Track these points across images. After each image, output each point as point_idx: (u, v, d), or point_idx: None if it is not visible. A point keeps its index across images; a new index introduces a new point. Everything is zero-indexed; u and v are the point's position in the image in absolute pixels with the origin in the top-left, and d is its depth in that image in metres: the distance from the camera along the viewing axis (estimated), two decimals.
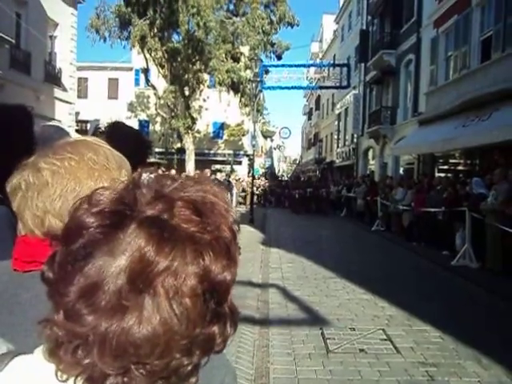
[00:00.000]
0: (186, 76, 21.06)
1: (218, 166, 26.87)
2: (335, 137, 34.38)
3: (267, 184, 26.89)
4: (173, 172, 17.56)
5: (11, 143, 1.35)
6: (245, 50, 20.92)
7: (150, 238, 0.45)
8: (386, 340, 4.59)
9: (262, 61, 20.94)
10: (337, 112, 33.21)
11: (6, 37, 12.38)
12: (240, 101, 22.54)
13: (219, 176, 15.78)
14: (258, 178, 26.73)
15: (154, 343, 0.44)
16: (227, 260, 0.49)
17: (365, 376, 3.76)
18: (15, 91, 12.78)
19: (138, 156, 1.68)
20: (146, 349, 0.44)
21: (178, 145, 26.88)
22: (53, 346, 0.47)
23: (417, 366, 3.98)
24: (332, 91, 33.31)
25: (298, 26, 21.18)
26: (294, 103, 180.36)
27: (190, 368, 0.48)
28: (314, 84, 31.37)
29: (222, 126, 33.34)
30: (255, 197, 20.44)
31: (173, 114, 22.22)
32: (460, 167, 14.92)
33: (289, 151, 79.42)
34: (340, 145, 32.54)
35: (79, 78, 23.35)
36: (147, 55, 21.49)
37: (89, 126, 24.22)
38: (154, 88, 23.18)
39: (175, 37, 21.33)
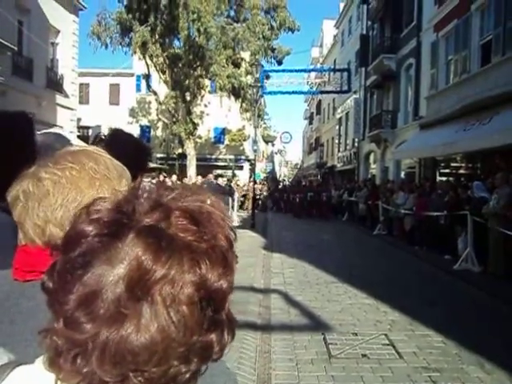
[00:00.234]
0: (187, 81, 21.14)
1: (219, 171, 26.83)
2: (336, 141, 34.40)
3: (269, 189, 26.87)
4: (174, 178, 17.59)
5: (13, 150, 1.35)
6: (245, 55, 21.01)
7: (147, 246, 0.46)
8: (388, 345, 4.58)
9: (262, 66, 21.02)
10: (338, 116, 33.25)
11: (9, 44, 12.44)
12: (241, 106, 22.59)
13: (221, 181, 15.75)
14: (260, 183, 26.73)
15: (151, 351, 0.45)
16: (223, 268, 0.49)
17: (367, 381, 3.75)
18: (17, 98, 12.84)
19: (138, 163, 1.69)
20: (144, 356, 0.45)
21: (180, 150, 26.94)
22: (53, 355, 0.47)
23: (420, 371, 3.96)
24: (333, 96, 33.37)
25: (298, 31, 21.29)
26: (294, 108, 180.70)
27: (188, 376, 0.49)
28: (314, 89, 31.45)
29: (224, 131, 33.40)
30: (257, 201, 20.43)
31: (174, 119, 22.29)
32: (461, 171, 14.91)
33: (290, 156, 79.47)
34: (341, 149, 32.55)
35: (81, 84, 23.48)
36: (148, 61, 21.59)
37: (90, 131, 24.28)
38: (156, 94, 23.26)
39: (176, 43, 21.46)
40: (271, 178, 39.03)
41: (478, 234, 8.50)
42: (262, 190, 25.37)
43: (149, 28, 19.49)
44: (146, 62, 21.75)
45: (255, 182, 19.27)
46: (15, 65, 13.88)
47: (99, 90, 32.29)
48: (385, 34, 21.90)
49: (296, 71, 25.38)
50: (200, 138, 28.11)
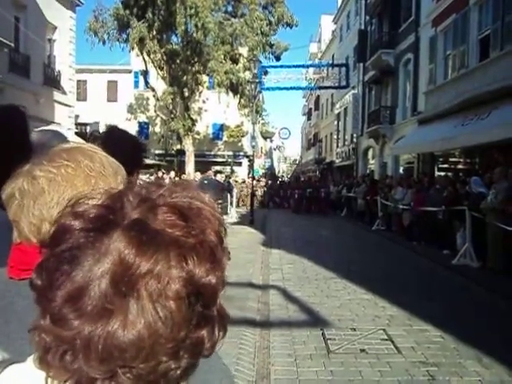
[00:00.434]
0: (185, 77, 21.09)
1: (217, 168, 26.79)
2: (335, 137, 34.40)
3: (267, 185, 26.88)
4: (172, 174, 17.57)
5: (7, 146, 1.34)
6: (243, 51, 20.94)
7: (131, 241, 0.46)
8: (386, 340, 4.59)
9: (260, 62, 20.93)
10: (336, 112, 33.23)
11: (5, 40, 12.40)
12: (239, 102, 22.56)
13: (219, 177, 15.75)
14: (258, 179, 26.73)
15: (139, 346, 0.44)
16: (212, 263, 0.49)
17: (366, 376, 3.77)
18: (15, 95, 12.79)
19: (134, 160, 1.68)
20: (132, 352, 0.44)
21: (178, 146, 26.91)
22: (41, 353, 0.47)
23: (418, 365, 3.98)
24: (331, 91, 33.34)
25: (296, 26, 21.23)
26: (293, 104, 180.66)
27: (178, 372, 0.49)
28: (313, 84, 31.37)
29: (222, 128, 33.37)
30: (256, 198, 20.44)
31: (172, 115, 22.25)
32: (460, 166, 14.93)
33: (288, 152, 79.49)
34: (340, 145, 32.55)
35: (78, 81, 23.41)
36: (146, 57, 21.53)
37: (88, 128, 24.23)
38: (154, 90, 23.21)
39: (174, 39, 21.40)
40: (270, 174, 39.05)
41: (477, 229, 8.52)
42: (261, 186, 25.38)
43: (146, 24, 19.42)
44: (144, 59, 21.68)
45: (254, 178, 19.27)
46: (12, 61, 13.83)
47: (97, 86, 32.19)
48: (383, 29, 21.86)
49: (294, 67, 25.33)
50: (198, 134, 28.07)
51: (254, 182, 19.60)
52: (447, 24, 15.35)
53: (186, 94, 21.90)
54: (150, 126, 33.20)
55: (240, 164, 33.47)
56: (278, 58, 22.49)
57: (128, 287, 0.45)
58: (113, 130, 1.98)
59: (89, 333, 0.44)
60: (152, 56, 21.24)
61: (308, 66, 30.40)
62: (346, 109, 29.91)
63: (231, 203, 18.00)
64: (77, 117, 20.98)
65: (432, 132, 14.18)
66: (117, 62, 30.32)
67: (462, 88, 13.21)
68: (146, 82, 23.78)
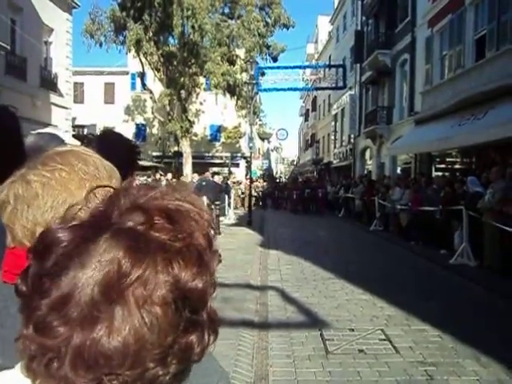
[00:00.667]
0: (182, 79, 21.09)
1: (215, 169, 26.84)
2: (332, 137, 34.43)
3: (265, 186, 26.90)
4: (169, 176, 17.52)
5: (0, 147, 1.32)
6: (240, 52, 20.97)
7: (121, 248, 0.45)
8: (384, 340, 4.60)
9: (257, 63, 20.95)
10: (333, 113, 33.27)
11: (2, 43, 12.38)
12: (236, 103, 22.58)
13: (217, 178, 15.75)
14: (256, 180, 26.73)
15: (124, 353, 0.44)
16: (198, 267, 0.48)
17: (364, 377, 3.77)
18: (11, 97, 12.76)
19: (129, 163, 1.69)
20: (117, 359, 0.44)
21: (176, 148, 26.89)
22: (27, 361, 0.47)
23: (416, 365, 3.98)
24: (328, 92, 33.38)
25: (293, 27, 21.28)
26: (290, 105, 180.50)
27: (168, 378, 0.48)
28: (310, 85, 31.42)
29: (219, 129, 33.38)
30: (253, 199, 20.45)
31: (169, 117, 22.24)
32: (457, 166, 14.97)
33: (286, 152, 79.58)
34: (337, 145, 32.59)
35: (75, 83, 23.36)
36: (143, 59, 21.53)
37: (86, 131, 24.19)
38: (151, 92, 23.19)
39: (171, 40, 21.40)
40: (268, 175, 39.05)
41: (474, 229, 8.54)
42: (259, 187, 25.38)
43: (143, 26, 19.42)
44: (141, 60, 21.68)
45: (251, 180, 19.29)
46: (8, 64, 13.80)
47: (94, 88, 32.17)
48: (379, 29, 21.90)
49: (291, 68, 25.34)
50: (196, 135, 28.08)
51: (252, 183, 19.61)
52: (443, 24, 15.40)
53: (183, 95, 21.90)
54: (148, 128, 33.18)
55: (238, 165, 33.46)
56: (274, 59, 22.52)
57: (116, 294, 0.44)
58: (107, 133, 1.98)
59: (74, 340, 0.43)
60: (149, 58, 21.25)
61: (305, 67, 30.48)
62: (343, 109, 29.95)
63: (229, 204, 18.00)
64: (74, 119, 20.96)
65: (429, 132, 14.22)
66: (114, 64, 30.40)
67: (459, 88, 13.25)
68: (143, 84, 23.76)
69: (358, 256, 9.83)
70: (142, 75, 22.92)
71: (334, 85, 27.06)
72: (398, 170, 19.91)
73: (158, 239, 0.47)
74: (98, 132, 17.98)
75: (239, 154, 33.64)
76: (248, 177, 20.37)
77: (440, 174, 14.96)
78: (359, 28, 25.54)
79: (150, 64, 21.71)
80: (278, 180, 34.88)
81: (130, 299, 0.44)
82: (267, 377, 3.77)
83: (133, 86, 32.52)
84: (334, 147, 33.28)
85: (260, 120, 38.06)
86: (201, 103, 27.48)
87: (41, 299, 0.45)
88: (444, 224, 10.07)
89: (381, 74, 21.54)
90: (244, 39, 19.80)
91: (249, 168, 20.78)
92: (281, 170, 70.97)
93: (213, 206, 12.67)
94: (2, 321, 0.74)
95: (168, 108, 22.08)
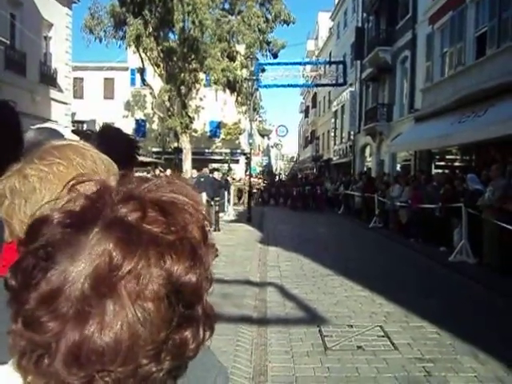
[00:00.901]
0: (182, 75, 21.04)
1: (215, 165, 26.83)
2: (332, 134, 34.42)
3: (265, 182, 26.91)
4: (168, 172, 17.50)
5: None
6: (241, 48, 20.91)
7: (112, 241, 0.44)
8: (383, 337, 4.61)
9: (257, 59, 20.91)
10: (333, 109, 33.23)
11: (1, 38, 12.33)
12: (236, 100, 22.53)
13: (216, 175, 15.74)
14: (256, 177, 26.74)
15: (116, 349, 0.43)
16: (191, 261, 0.47)
17: (362, 373, 3.78)
18: (11, 92, 12.72)
19: (128, 158, 1.69)
20: (109, 356, 0.43)
21: (175, 144, 26.87)
22: (17, 357, 0.45)
23: (414, 362, 4.00)
24: (328, 89, 33.31)
25: (293, 23, 21.19)
26: (290, 101, 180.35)
27: (161, 375, 0.46)
28: (310, 82, 31.38)
29: (219, 125, 33.34)
30: (253, 195, 20.47)
31: (169, 113, 22.20)
32: (457, 163, 14.96)
33: (286, 149, 79.40)
34: (337, 142, 32.57)
35: (75, 79, 23.32)
36: (143, 55, 21.45)
37: (85, 126, 24.14)
38: (150, 87, 23.14)
39: (171, 36, 21.33)
40: (267, 171, 39.05)
41: (474, 226, 8.55)
42: (259, 184, 25.39)
43: (143, 21, 19.35)
44: (141, 56, 21.60)
45: (251, 176, 19.29)
46: (8, 59, 13.75)
47: (93, 84, 32.12)
48: (380, 26, 21.85)
49: (291, 64, 25.28)
50: (195, 131, 28.03)
51: (252, 179, 19.62)
52: (444, 21, 15.36)
53: (183, 91, 21.85)
54: (147, 124, 33.14)
55: (237, 162, 33.45)
56: (275, 56, 22.45)
57: (107, 288, 0.43)
58: (107, 129, 1.98)
59: (65, 336, 0.42)
60: (149, 53, 21.16)
61: (305, 64, 30.37)
62: (343, 106, 29.91)
63: (228, 201, 18.00)
64: (73, 114, 20.92)
65: (429, 129, 14.20)
66: (113, 60, 30.23)
67: (459, 85, 13.23)
68: (143, 80, 23.70)
69: (358, 253, 9.85)
70: (142, 71, 22.85)
71: (334, 81, 26.98)
72: (398, 167, 19.91)
73: (151, 232, 0.45)
74: (97, 127, 17.96)
75: (239, 151, 33.62)
76: (248, 173, 20.36)
77: (440, 171, 14.97)
78: (360, 24, 25.47)
79: (149, 59, 21.64)
80: (277, 177, 34.87)
81: (122, 293, 0.43)
82: (266, 372, 3.78)
83: (132, 82, 32.46)
84: (334, 144, 33.26)
85: (260, 116, 38.02)
86: (201, 99, 27.41)
87: (30, 292, 0.44)
88: (443, 221, 10.08)
89: (381, 70, 21.51)
90: (244, 35, 19.74)
91: (248, 164, 20.78)
92: (280, 167, 70.93)
93: (212, 202, 12.68)
94: (1, 316, 0.74)
95: (168, 104, 22.04)
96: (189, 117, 22.04)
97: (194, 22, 18.23)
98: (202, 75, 22.26)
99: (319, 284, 6.85)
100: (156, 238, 0.45)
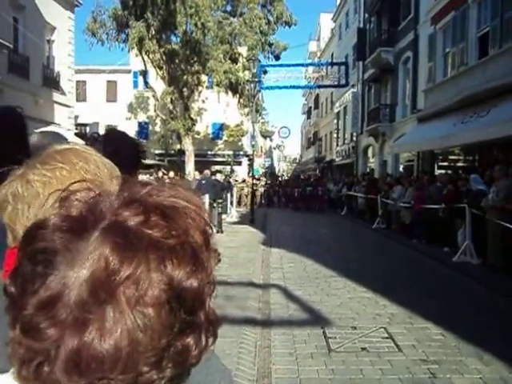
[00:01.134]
0: (185, 77, 21.08)
1: (217, 167, 26.84)
2: (334, 135, 34.37)
3: (267, 184, 26.90)
4: (172, 174, 17.51)
5: (7, 148, 1.33)
6: (243, 50, 20.94)
7: (111, 245, 0.43)
8: (387, 338, 4.60)
9: (260, 61, 20.93)
10: (336, 111, 33.19)
11: (4, 41, 12.39)
12: (239, 101, 22.56)
13: (219, 177, 15.74)
14: (258, 178, 26.74)
15: (116, 356, 0.42)
16: (193, 266, 0.46)
17: (367, 375, 3.77)
18: (14, 96, 12.79)
19: (133, 162, 1.69)
20: (110, 363, 0.42)
21: (178, 146, 26.90)
22: (17, 366, 0.45)
23: (418, 363, 3.98)
24: (330, 90, 33.30)
25: (295, 25, 21.21)
26: (292, 102, 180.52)
27: (163, 383, 0.46)
28: (312, 83, 31.34)
29: (222, 127, 33.36)
30: (256, 197, 20.47)
31: (172, 115, 22.24)
32: (460, 164, 14.92)
33: (288, 150, 79.27)
34: (339, 143, 32.53)
35: (78, 82, 23.39)
36: (145, 57, 21.50)
37: (88, 129, 24.20)
38: (153, 90, 23.19)
39: (173, 38, 21.37)
40: (270, 173, 39.05)
41: (477, 227, 8.52)
42: (261, 186, 25.39)
43: (145, 24, 19.40)
44: (143, 59, 21.66)
45: (254, 178, 19.28)
46: (11, 62, 13.82)
47: (96, 87, 32.19)
48: (382, 27, 21.83)
49: (293, 65, 25.29)
50: (198, 133, 28.08)
51: (254, 181, 19.62)
52: (446, 21, 15.33)
53: (186, 93, 21.89)
54: (150, 126, 33.19)
55: (240, 163, 33.46)
56: (277, 58, 22.48)
57: (105, 294, 0.42)
58: (112, 132, 1.99)
59: (64, 343, 0.41)
60: (151, 56, 21.21)
61: (307, 65, 30.35)
62: (345, 107, 29.88)
63: (231, 202, 18.00)
64: (76, 117, 20.97)
65: (431, 130, 14.17)
66: (116, 62, 30.37)
67: (462, 86, 13.20)
68: (146, 82, 23.75)
69: (361, 254, 9.82)
70: (145, 73, 22.90)
71: (336, 83, 26.97)
72: (401, 168, 19.87)
73: (151, 236, 0.45)
74: (100, 130, 18.00)
75: (241, 152, 33.62)
76: (250, 175, 20.36)
77: (443, 171, 14.93)
78: (362, 25, 25.47)
79: (152, 62, 21.68)
80: (279, 178, 34.86)
81: (121, 299, 0.42)
82: (270, 375, 3.77)
83: (135, 85, 32.53)
84: (337, 145, 33.22)
85: (262, 118, 38.08)
86: (203, 101, 27.46)
87: (28, 298, 0.43)
88: (447, 222, 10.04)
89: (383, 71, 21.48)
90: (246, 37, 19.76)
91: (251, 166, 20.76)
92: (283, 168, 70.88)
93: (215, 204, 12.68)
94: (5, 321, 0.74)
95: (170, 106, 22.07)
96: (191, 119, 22.07)
97: (196, 25, 18.26)
98: (204, 77, 22.28)
99: (322, 285, 6.84)
100: (157, 242, 0.45)
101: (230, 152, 32.74)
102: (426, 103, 16.48)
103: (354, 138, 27.24)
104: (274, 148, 61.55)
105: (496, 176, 8.47)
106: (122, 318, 0.42)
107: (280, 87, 24.67)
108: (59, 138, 1.85)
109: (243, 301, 5.68)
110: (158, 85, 23.23)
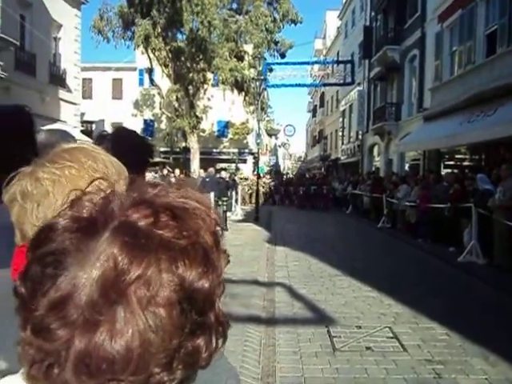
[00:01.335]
0: (190, 75, 21.10)
1: (222, 165, 26.89)
2: (340, 134, 34.29)
3: (272, 182, 26.89)
4: (177, 172, 17.53)
5: (13, 146, 1.34)
6: (248, 48, 20.93)
7: (122, 246, 0.43)
8: (392, 338, 4.58)
9: (265, 59, 20.92)
10: (341, 109, 33.10)
11: (11, 39, 12.44)
12: (244, 99, 22.57)
13: (224, 174, 15.75)
14: (263, 176, 26.73)
15: (127, 357, 0.41)
16: (204, 266, 0.46)
17: (371, 374, 3.76)
18: (21, 93, 12.84)
19: (141, 161, 1.69)
20: (120, 364, 0.41)
21: (183, 144, 26.95)
22: (27, 367, 0.44)
23: (423, 363, 3.97)
24: (336, 88, 33.19)
25: (301, 23, 21.18)
26: (298, 100, 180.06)
27: None
28: (318, 81, 31.31)
29: (227, 125, 33.35)
30: (260, 195, 20.47)
31: (177, 113, 22.27)
32: (466, 163, 14.84)
33: (294, 149, 79.17)
34: (345, 142, 32.45)
35: (84, 79, 23.45)
36: (151, 55, 21.54)
37: (94, 126, 24.30)
38: (159, 88, 23.22)
39: (179, 36, 21.39)
40: (275, 171, 39.01)
41: (484, 227, 8.47)
42: (266, 184, 25.38)
43: (151, 21, 19.43)
44: (149, 56, 21.69)
45: (259, 176, 19.28)
46: (18, 60, 13.88)
47: (102, 84, 32.29)
48: (388, 25, 21.73)
49: (299, 64, 25.28)
50: (203, 131, 28.10)
51: (259, 179, 19.61)
52: (453, 19, 15.22)
53: (191, 91, 21.91)
54: (156, 124, 33.25)
55: (245, 161, 33.45)
56: (282, 56, 22.46)
57: (117, 295, 0.42)
58: (121, 131, 1.99)
59: (75, 344, 0.41)
60: (157, 54, 21.25)
61: (313, 63, 30.36)
62: (351, 105, 29.79)
63: (236, 200, 18.01)
64: (82, 115, 21.05)
65: (438, 129, 14.10)
66: (122, 60, 30.40)
67: (469, 84, 13.11)
68: (151, 80, 23.80)
69: (366, 253, 9.80)
70: (150, 71, 22.94)
71: (342, 81, 26.93)
72: (407, 167, 19.79)
73: (162, 236, 0.44)
74: (106, 127, 18.04)
75: (247, 150, 33.61)
76: (255, 173, 20.36)
77: (449, 171, 14.85)
78: (368, 23, 25.35)
79: (157, 60, 21.71)
80: (284, 176, 34.83)
81: (132, 299, 0.42)
82: (274, 373, 3.77)
83: (141, 82, 32.59)
84: (342, 143, 33.14)
85: (268, 116, 38.02)
86: (208, 99, 27.47)
87: (38, 299, 0.43)
88: (453, 221, 9.99)
89: (389, 69, 21.39)
90: (252, 35, 19.75)
91: (256, 164, 20.78)
92: (288, 166, 70.77)
93: (220, 202, 12.69)
94: (12, 320, 0.74)
95: (176, 104, 22.10)
96: (197, 117, 22.10)
97: (202, 23, 18.26)
98: (209, 75, 22.29)
99: (327, 284, 6.83)
100: (168, 242, 0.44)
101: (235, 150, 32.73)
102: (432, 102, 16.39)
103: (360, 137, 27.15)
104: (279, 146, 61.47)
105: (503, 175, 8.41)
106: (133, 318, 0.42)
107: (285, 85, 24.69)
108: (66, 135, 1.85)
109: (248, 299, 5.69)
110: (164, 82, 23.26)
